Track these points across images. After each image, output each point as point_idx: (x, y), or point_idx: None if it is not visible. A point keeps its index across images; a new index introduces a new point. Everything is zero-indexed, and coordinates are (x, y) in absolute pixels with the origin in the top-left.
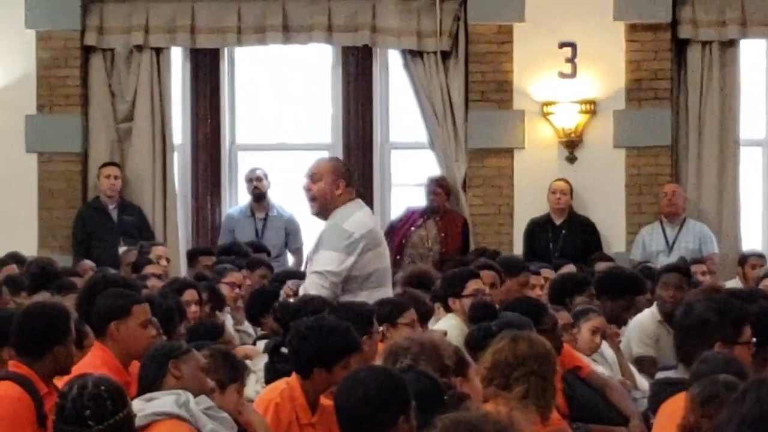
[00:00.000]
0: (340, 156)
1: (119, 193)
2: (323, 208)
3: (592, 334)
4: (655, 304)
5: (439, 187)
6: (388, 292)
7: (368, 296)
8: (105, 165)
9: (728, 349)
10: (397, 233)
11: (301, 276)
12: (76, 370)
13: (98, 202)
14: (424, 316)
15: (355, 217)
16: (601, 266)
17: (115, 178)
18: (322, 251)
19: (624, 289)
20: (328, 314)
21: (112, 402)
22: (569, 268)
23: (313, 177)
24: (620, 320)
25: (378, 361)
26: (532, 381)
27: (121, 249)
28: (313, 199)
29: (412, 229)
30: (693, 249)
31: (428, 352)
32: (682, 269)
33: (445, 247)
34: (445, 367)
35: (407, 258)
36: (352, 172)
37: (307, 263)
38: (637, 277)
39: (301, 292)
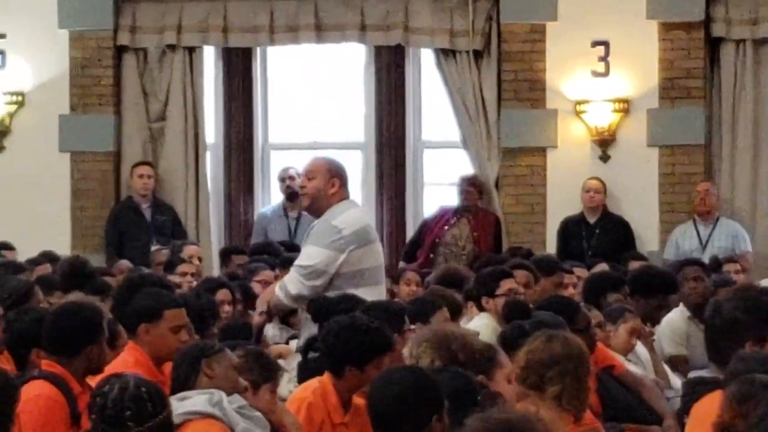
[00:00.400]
0: (373, 155)
1: (152, 193)
2: (315, 204)
3: (630, 335)
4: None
5: (471, 186)
6: (382, 290)
7: (364, 294)
8: (138, 164)
9: (759, 347)
10: (431, 232)
11: None
12: (109, 370)
13: (131, 202)
14: (454, 314)
15: (346, 214)
16: (634, 265)
17: (148, 177)
18: (308, 246)
19: (657, 288)
20: (360, 313)
21: (153, 404)
22: (602, 266)
23: (308, 174)
24: (653, 319)
25: (420, 353)
26: (567, 381)
27: (153, 249)
28: (305, 195)
29: (445, 228)
30: (726, 247)
31: (437, 343)
32: (699, 262)
33: (477, 246)
34: (457, 361)
35: (440, 257)
36: (346, 174)
37: None
38: (670, 276)
39: (277, 290)
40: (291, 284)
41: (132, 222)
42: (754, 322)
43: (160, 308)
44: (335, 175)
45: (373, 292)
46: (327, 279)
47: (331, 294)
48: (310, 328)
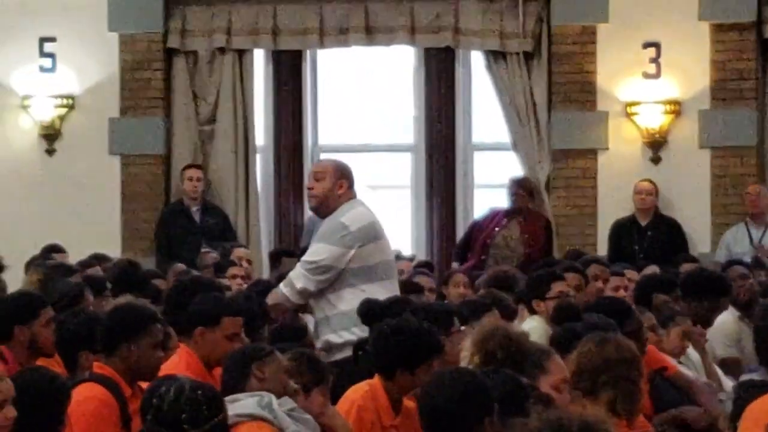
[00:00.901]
0: (423, 158)
1: (202, 195)
2: (323, 206)
3: (681, 338)
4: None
5: (521, 189)
6: (395, 285)
7: (377, 289)
8: (188, 167)
9: None
10: (481, 233)
11: None
12: (161, 372)
13: (181, 205)
14: (509, 317)
15: (353, 211)
16: (686, 267)
17: (198, 180)
18: (316, 243)
19: (709, 291)
20: (409, 315)
21: (208, 407)
22: (653, 269)
23: (317, 176)
24: (705, 321)
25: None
26: (621, 386)
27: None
28: (313, 196)
29: (496, 229)
30: None
31: (477, 340)
32: (743, 262)
33: (528, 248)
34: (495, 359)
35: (491, 259)
36: (353, 175)
37: None
38: (722, 278)
39: (281, 286)
40: (297, 279)
41: (182, 225)
42: None
43: (219, 314)
44: (343, 176)
45: (386, 287)
46: (334, 275)
47: (380, 297)
48: (325, 333)
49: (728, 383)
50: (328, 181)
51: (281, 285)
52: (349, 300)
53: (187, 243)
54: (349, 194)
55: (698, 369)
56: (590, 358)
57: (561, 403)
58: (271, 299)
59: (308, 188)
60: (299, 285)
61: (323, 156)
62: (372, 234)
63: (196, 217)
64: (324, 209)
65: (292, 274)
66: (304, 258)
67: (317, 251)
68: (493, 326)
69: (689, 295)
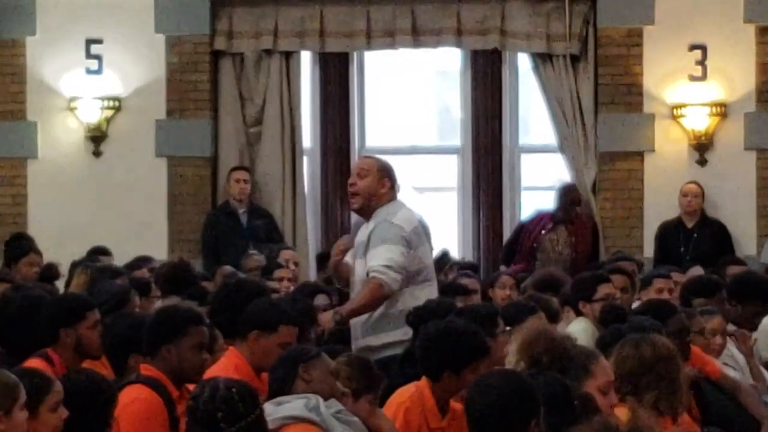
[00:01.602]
0: (470, 159)
1: (249, 198)
2: (366, 204)
3: (712, 335)
4: None
5: (571, 204)
6: (435, 286)
7: (425, 291)
8: (235, 169)
9: None
10: (528, 236)
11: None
12: (208, 374)
13: (228, 207)
14: (553, 319)
15: (401, 213)
16: (733, 270)
17: (245, 182)
18: (383, 246)
19: (755, 295)
20: (454, 317)
21: (244, 404)
22: (697, 271)
23: (360, 173)
24: (751, 324)
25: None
26: (662, 385)
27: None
28: (356, 194)
29: (543, 233)
30: None
31: (522, 344)
32: None
33: (575, 251)
34: (540, 363)
35: (539, 262)
36: (395, 174)
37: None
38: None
39: (389, 282)
40: (395, 283)
41: (228, 227)
42: None
43: (277, 322)
44: (386, 175)
45: (432, 289)
46: (405, 275)
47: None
48: (367, 334)
49: None
50: (372, 178)
51: (388, 281)
52: (396, 302)
53: (234, 245)
54: (391, 194)
55: (743, 370)
56: (628, 362)
57: (606, 406)
58: (367, 302)
59: (350, 184)
60: (396, 287)
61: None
62: (421, 237)
63: (243, 220)
64: (366, 207)
65: (386, 279)
66: (384, 263)
67: (390, 252)
68: (537, 330)
69: (734, 298)
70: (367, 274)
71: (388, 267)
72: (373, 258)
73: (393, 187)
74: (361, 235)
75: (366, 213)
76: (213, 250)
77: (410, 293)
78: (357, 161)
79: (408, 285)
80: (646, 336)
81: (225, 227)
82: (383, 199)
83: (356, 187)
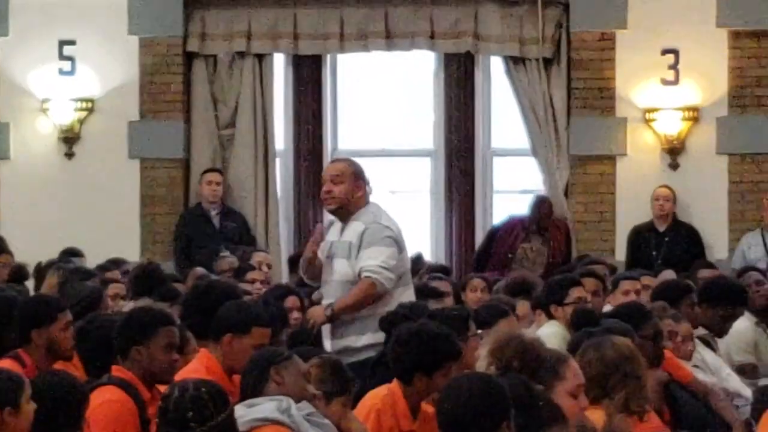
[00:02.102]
0: (443, 163)
1: (222, 200)
2: (343, 209)
3: (683, 342)
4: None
5: (547, 218)
6: (413, 291)
7: (406, 294)
8: (207, 171)
9: None
10: (503, 245)
11: None
12: (180, 376)
13: (200, 209)
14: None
15: (386, 216)
16: (704, 274)
17: (217, 184)
18: (375, 248)
19: (725, 299)
20: (426, 320)
21: (213, 404)
22: (668, 275)
23: (335, 179)
24: (720, 329)
25: (482, 357)
26: (630, 384)
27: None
28: (333, 199)
29: (518, 241)
30: None
31: (493, 348)
32: (758, 269)
33: (550, 257)
34: (511, 367)
35: (514, 272)
36: (366, 176)
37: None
38: (740, 287)
39: (382, 282)
40: (389, 283)
41: (201, 229)
42: None
43: (250, 324)
44: (360, 177)
45: (411, 293)
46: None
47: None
48: (348, 334)
49: (746, 390)
50: (348, 183)
51: (381, 280)
52: (381, 304)
53: (206, 247)
54: (367, 196)
55: (714, 373)
56: (593, 365)
57: (578, 409)
58: (361, 299)
59: (326, 191)
60: (389, 286)
61: (328, 163)
62: (403, 241)
63: (216, 221)
64: (344, 211)
65: (381, 278)
66: (379, 263)
67: (383, 254)
68: (508, 334)
69: (704, 302)
70: (359, 274)
71: (383, 267)
72: (367, 258)
73: (366, 188)
74: (346, 236)
75: (342, 215)
76: (185, 251)
77: (395, 295)
78: (328, 165)
79: (405, 286)
80: (605, 338)
81: (197, 229)
82: (359, 202)
83: (333, 193)
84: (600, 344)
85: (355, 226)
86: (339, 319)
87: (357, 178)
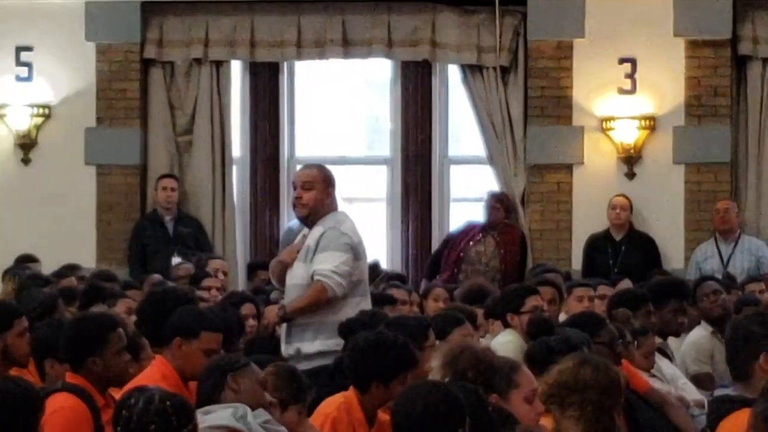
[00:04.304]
0: (399, 170)
1: (177, 206)
2: (312, 215)
3: (646, 358)
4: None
5: (498, 203)
6: (369, 301)
7: (363, 303)
8: (162, 177)
9: None
10: (455, 248)
11: None
12: (135, 383)
13: (155, 215)
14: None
15: (348, 223)
16: None
17: (172, 190)
18: (330, 252)
19: (670, 294)
20: (384, 328)
21: (177, 418)
22: (625, 284)
23: (305, 185)
24: (672, 328)
25: (435, 368)
26: (588, 410)
27: (174, 261)
28: (303, 205)
29: (470, 244)
30: (749, 267)
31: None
32: (715, 278)
33: (503, 262)
34: (466, 378)
35: (462, 274)
36: (335, 182)
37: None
38: (681, 281)
39: (333, 287)
40: (339, 288)
41: (156, 235)
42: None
43: (199, 328)
44: (330, 184)
45: (368, 303)
46: (349, 282)
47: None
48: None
49: (702, 398)
50: (318, 190)
51: (331, 285)
52: (334, 311)
53: (161, 253)
54: (335, 203)
55: (670, 382)
56: (566, 375)
57: (533, 414)
58: (314, 300)
59: (296, 197)
60: (339, 292)
61: (299, 168)
62: (363, 250)
63: (170, 227)
64: (313, 218)
65: (331, 282)
66: (331, 268)
67: (338, 258)
68: (461, 345)
69: (656, 304)
70: (312, 277)
71: (334, 272)
72: (320, 262)
73: (334, 195)
74: (308, 240)
75: (310, 222)
76: (140, 257)
77: (350, 304)
78: (299, 171)
79: (350, 295)
80: (599, 360)
81: (152, 235)
82: (328, 208)
83: (303, 200)
84: (585, 361)
85: (315, 231)
86: (292, 320)
87: (327, 184)
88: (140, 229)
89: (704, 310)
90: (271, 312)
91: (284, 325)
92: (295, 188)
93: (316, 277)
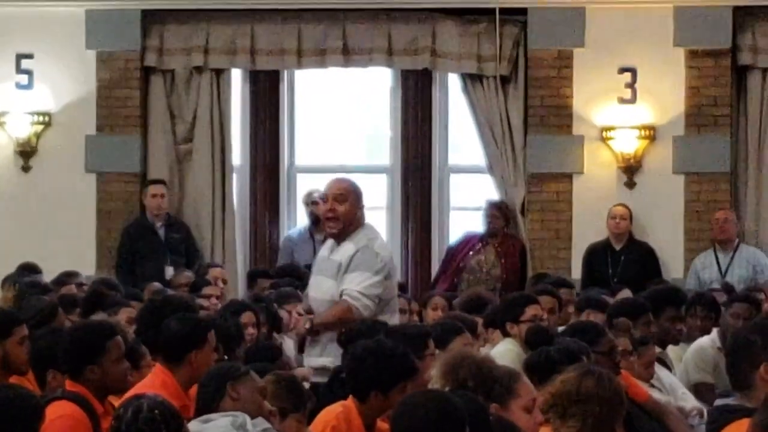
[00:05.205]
0: (399, 179)
1: (167, 212)
2: (344, 229)
3: (646, 368)
4: (715, 331)
5: (497, 211)
6: (398, 316)
7: (393, 320)
8: (151, 183)
9: None
10: (456, 257)
11: None
12: (134, 390)
13: (145, 221)
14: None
15: (380, 241)
16: None
17: (162, 196)
18: (362, 272)
19: (666, 302)
20: (384, 337)
21: (167, 426)
22: (625, 293)
23: (338, 198)
24: (673, 335)
25: (435, 378)
26: (588, 422)
27: (168, 269)
28: (335, 219)
29: (470, 253)
30: (747, 276)
31: (447, 368)
32: (750, 298)
33: (503, 271)
34: (466, 387)
35: (464, 283)
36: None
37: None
38: (676, 288)
39: (358, 309)
40: (366, 310)
41: (146, 241)
42: None
43: (205, 331)
44: (360, 197)
45: (396, 319)
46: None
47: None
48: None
49: (702, 408)
50: (350, 203)
51: (357, 307)
52: None
53: (150, 260)
54: (364, 217)
55: (670, 392)
56: (569, 385)
57: (531, 423)
58: (337, 312)
59: (329, 210)
60: (367, 314)
61: (299, 177)
62: (394, 267)
63: (161, 233)
64: (343, 233)
65: (359, 305)
66: (361, 289)
67: (370, 281)
68: (461, 354)
69: (653, 313)
70: (341, 295)
71: (363, 294)
72: (350, 282)
73: (363, 208)
74: (338, 256)
75: (340, 237)
76: (128, 264)
77: (390, 322)
78: (331, 184)
79: (381, 313)
80: (602, 371)
81: (143, 241)
82: (358, 222)
83: (336, 213)
84: (588, 372)
85: (347, 248)
86: (317, 334)
87: (358, 198)
88: (130, 235)
89: (726, 326)
90: (299, 322)
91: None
92: (325, 201)
93: (344, 296)
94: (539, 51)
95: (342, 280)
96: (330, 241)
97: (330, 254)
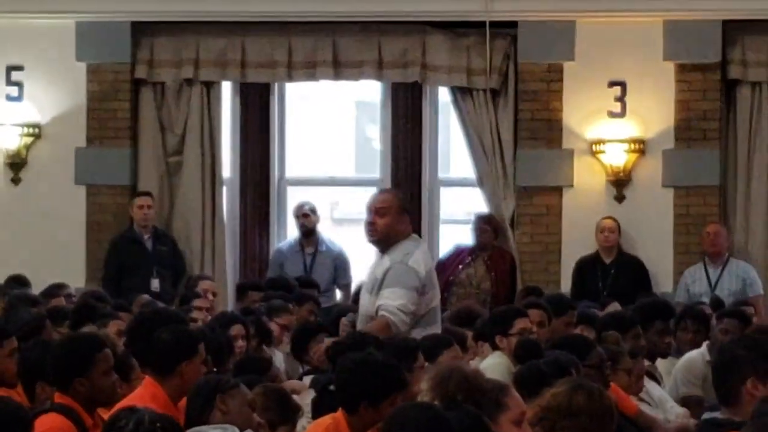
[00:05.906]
0: None
1: (154, 224)
2: (384, 241)
3: (635, 381)
4: (705, 344)
5: (486, 225)
6: (438, 328)
7: (421, 333)
8: (138, 195)
9: (762, 384)
10: (445, 271)
11: (350, 310)
12: (124, 403)
13: (132, 233)
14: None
15: (417, 254)
16: None
17: (148, 207)
18: (396, 289)
19: (653, 315)
20: (374, 350)
21: None
22: (614, 307)
23: (379, 211)
24: (662, 348)
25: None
26: None
27: (154, 282)
28: (375, 231)
29: (460, 267)
30: (736, 290)
31: (436, 381)
32: (739, 313)
33: (493, 285)
34: (455, 400)
35: (454, 296)
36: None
37: (357, 293)
38: (663, 301)
39: (395, 323)
40: (403, 326)
41: (133, 253)
42: (755, 358)
43: (197, 342)
44: (405, 209)
45: (432, 331)
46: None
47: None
48: None
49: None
50: (392, 216)
51: (387, 313)
52: None
53: (137, 272)
54: (409, 228)
55: (659, 405)
56: (559, 399)
57: None
58: (377, 328)
59: (370, 223)
60: (403, 329)
61: (290, 189)
62: (434, 279)
63: (148, 245)
64: (384, 244)
65: (396, 319)
66: (396, 305)
67: (403, 297)
68: (450, 367)
69: (641, 326)
70: (377, 312)
71: (400, 310)
72: (385, 297)
73: (407, 220)
74: (376, 270)
75: (384, 247)
76: (114, 276)
77: (415, 334)
78: (374, 196)
79: (415, 327)
80: (594, 386)
81: (130, 253)
82: (401, 235)
83: (376, 226)
84: (579, 387)
85: (384, 263)
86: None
87: (401, 210)
88: (117, 247)
89: (716, 340)
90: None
91: None
92: (368, 213)
93: (381, 312)
94: (529, 64)
95: (378, 296)
96: (377, 255)
97: (374, 269)
